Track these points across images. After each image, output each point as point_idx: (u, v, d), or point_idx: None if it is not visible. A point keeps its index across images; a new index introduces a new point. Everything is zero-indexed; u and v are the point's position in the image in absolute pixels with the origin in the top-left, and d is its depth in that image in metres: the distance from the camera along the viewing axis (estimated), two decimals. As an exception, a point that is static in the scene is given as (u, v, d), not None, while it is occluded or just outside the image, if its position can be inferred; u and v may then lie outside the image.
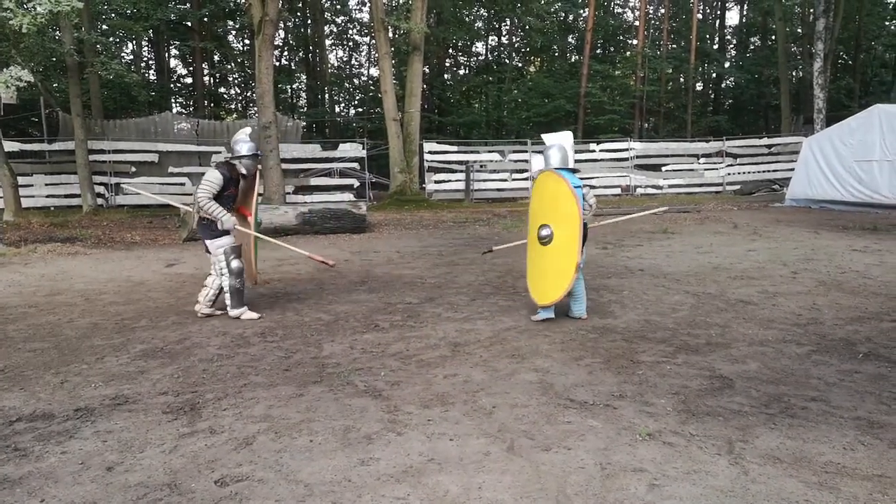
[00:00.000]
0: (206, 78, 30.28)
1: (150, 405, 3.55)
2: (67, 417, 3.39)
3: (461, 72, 36.19)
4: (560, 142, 5.48)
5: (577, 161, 21.11)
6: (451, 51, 34.30)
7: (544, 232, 5.18)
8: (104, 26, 21.73)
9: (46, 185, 17.15)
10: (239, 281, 5.48)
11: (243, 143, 5.55)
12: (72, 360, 4.41)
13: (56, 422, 3.34)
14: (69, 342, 4.86)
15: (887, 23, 31.54)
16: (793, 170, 17.13)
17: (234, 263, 5.46)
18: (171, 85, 30.35)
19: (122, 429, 3.24)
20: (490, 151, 21.44)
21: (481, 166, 20.65)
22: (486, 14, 33.11)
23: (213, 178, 5.39)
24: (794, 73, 30.83)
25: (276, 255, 9.35)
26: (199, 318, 5.54)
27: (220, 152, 18.60)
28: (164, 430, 3.21)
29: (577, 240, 4.99)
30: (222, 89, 33.27)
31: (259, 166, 5.75)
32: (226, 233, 5.42)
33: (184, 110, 30.37)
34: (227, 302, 5.51)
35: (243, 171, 5.56)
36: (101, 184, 17.22)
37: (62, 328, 5.29)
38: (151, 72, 30.33)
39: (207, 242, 5.49)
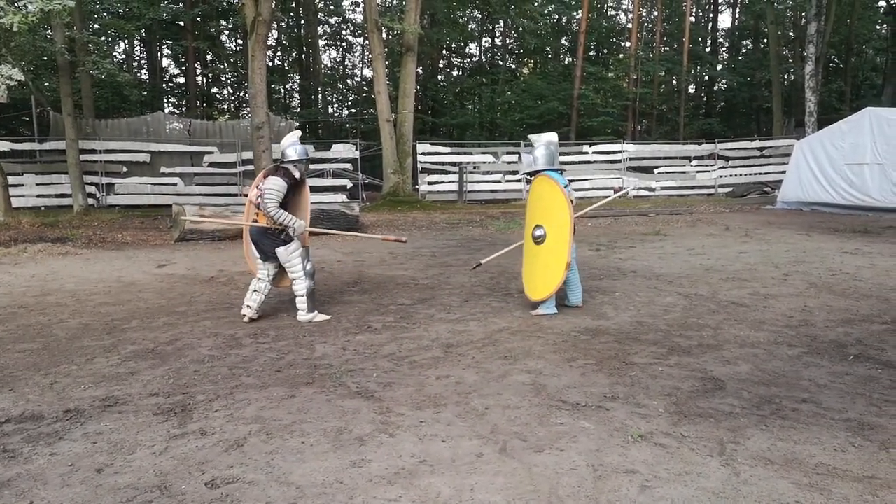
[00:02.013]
0: (199, 78, 30.19)
1: (141, 406, 3.53)
2: (57, 419, 3.37)
3: (455, 73, 36.23)
4: (546, 141, 5.80)
5: (570, 163, 21.36)
6: (444, 52, 34.31)
7: (538, 232, 5.57)
8: (96, 25, 21.61)
9: (37, 184, 17.03)
10: (312, 283, 5.46)
11: (295, 146, 5.48)
12: (61, 361, 4.38)
13: (45, 423, 3.31)
14: (59, 343, 4.83)
15: (878, 26, 31.77)
16: (784, 172, 17.21)
17: (308, 266, 5.46)
18: (164, 85, 30.24)
19: (111, 430, 3.22)
20: (483, 153, 21.46)
21: (474, 167, 20.66)
22: (479, 16, 33.17)
23: (278, 185, 5.24)
24: (785, 77, 30.98)
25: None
26: (244, 322, 5.37)
27: (212, 152, 18.56)
28: (155, 432, 3.19)
29: (568, 241, 5.27)
30: (215, 89, 33.17)
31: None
32: (290, 237, 5.36)
33: (176, 110, 30.22)
34: (301, 306, 5.43)
35: (297, 174, 5.46)
36: (92, 184, 17.12)
37: (52, 329, 5.25)
38: (143, 71, 30.22)
39: (278, 251, 5.36)
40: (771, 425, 3.18)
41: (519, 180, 20.59)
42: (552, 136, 5.94)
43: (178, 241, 10.96)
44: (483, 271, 7.78)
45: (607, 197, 6.47)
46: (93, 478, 2.73)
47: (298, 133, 5.70)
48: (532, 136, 5.99)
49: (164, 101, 29.97)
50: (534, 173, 5.78)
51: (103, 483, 2.68)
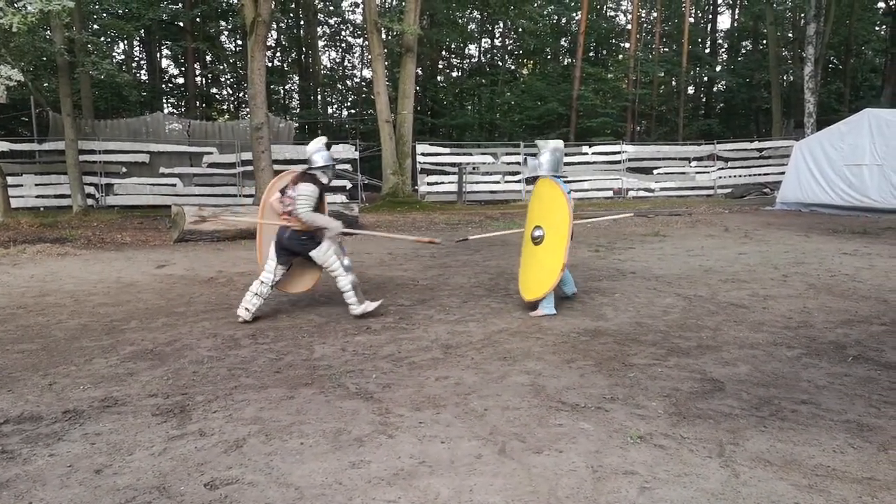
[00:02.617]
0: (198, 78, 30.20)
1: (140, 407, 3.53)
2: (55, 419, 3.36)
3: (454, 74, 36.25)
4: (553, 147, 5.97)
5: (570, 164, 21.38)
6: (444, 53, 34.32)
7: (537, 233, 5.69)
8: (95, 26, 21.60)
9: (36, 185, 17.02)
10: (354, 276, 5.52)
11: (321, 152, 5.50)
12: (60, 361, 4.38)
13: (44, 424, 3.31)
14: (58, 343, 4.82)
15: (877, 28, 31.80)
16: (783, 173, 17.23)
17: (346, 261, 5.51)
18: (163, 85, 30.24)
19: (110, 431, 3.21)
20: (483, 154, 21.48)
21: (474, 168, 20.67)
22: (479, 16, 33.18)
23: (310, 191, 5.28)
24: (784, 78, 31.03)
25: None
26: (238, 322, 5.34)
27: (211, 153, 18.55)
28: (154, 433, 3.19)
29: (566, 243, 5.39)
30: (214, 90, 33.17)
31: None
32: (321, 239, 5.41)
33: (175, 111, 30.23)
34: (350, 301, 5.46)
35: (325, 180, 5.50)
36: (91, 184, 17.11)
37: (51, 329, 5.25)
38: (143, 72, 30.23)
39: (313, 254, 5.40)
40: (770, 426, 3.18)
41: (518, 181, 20.61)
42: (559, 143, 6.11)
43: (177, 241, 10.95)
44: (482, 272, 7.78)
45: (612, 215, 6.66)
46: (91, 479, 2.73)
47: (324, 139, 5.76)
48: (539, 142, 6.15)
49: (164, 101, 29.98)
50: (536, 178, 5.97)
51: (102, 484, 2.68)
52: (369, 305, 5.52)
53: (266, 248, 5.60)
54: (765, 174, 22.24)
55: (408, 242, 6.38)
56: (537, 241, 5.66)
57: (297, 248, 5.41)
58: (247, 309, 5.37)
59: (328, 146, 5.76)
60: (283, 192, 5.45)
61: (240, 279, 7.50)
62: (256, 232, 5.90)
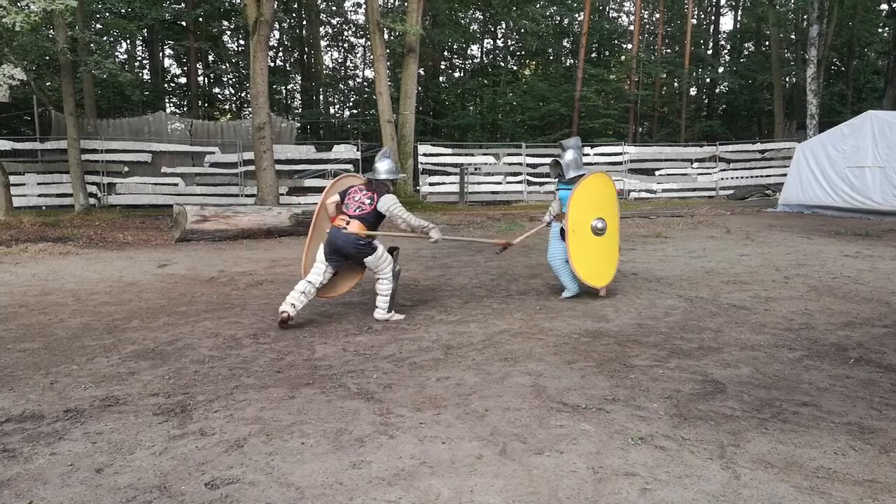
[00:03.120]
0: (201, 78, 30.22)
1: (141, 407, 3.53)
2: (57, 418, 3.37)
3: (456, 74, 36.25)
4: (576, 145, 6.38)
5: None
6: (446, 53, 34.33)
7: (600, 224, 6.13)
8: (98, 25, 21.64)
9: (38, 184, 17.04)
10: (396, 284, 5.56)
11: (390, 164, 5.53)
12: (62, 360, 4.38)
13: (45, 423, 3.31)
14: (59, 342, 4.83)
15: (879, 29, 31.76)
16: (785, 175, 17.21)
17: (396, 267, 5.56)
18: (165, 85, 30.26)
19: (111, 430, 3.22)
20: (485, 154, 21.47)
21: (476, 169, 20.67)
22: (481, 17, 33.18)
23: (397, 199, 5.41)
24: (787, 79, 30.99)
25: (269, 257, 9.33)
26: (283, 317, 5.21)
27: (213, 152, 18.57)
28: (155, 432, 3.19)
29: (618, 232, 6.36)
30: (216, 89, 33.19)
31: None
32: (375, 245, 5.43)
33: (177, 110, 30.26)
34: (382, 305, 5.47)
35: (391, 189, 5.58)
36: (93, 183, 17.13)
37: (52, 328, 5.25)
38: (145, 71, 30.25)
39: (368, 260, 5.38)
40: (771, 428, 3.18)
41: (520, 182, 20.62)
42: (578, 140, 6.51)
43: (178, 241, 10.96)
44: (483, 273, 7.78)
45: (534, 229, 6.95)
46: (93, 478, 2.73)
47: (389, 149, 5.92)
48: (564, 142, 6.38)
49: (166, 101, 30.01)
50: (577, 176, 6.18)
51: (103, 483, 2.68)
52: (395, 315, 5.52)
53: (314, 250, 5.53)
54: (767, 176, 22.21)
55: (484, 245, 6.55)
56: (601, 231, 6.11)
57: (352, 251, 5.32)
58: (293, 304, 5.22)
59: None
60: (343, 196, 5.45)
61: (241, 279, 7.51)
62: (307, 236, 5.75)
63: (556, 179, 6.40)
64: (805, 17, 24.10)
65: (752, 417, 3.32)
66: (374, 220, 5.38)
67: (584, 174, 6.13)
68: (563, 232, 6.11)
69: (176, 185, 18.19)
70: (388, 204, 5.33)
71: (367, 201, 5.34)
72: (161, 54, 30.01)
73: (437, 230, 5.54)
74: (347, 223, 5.29)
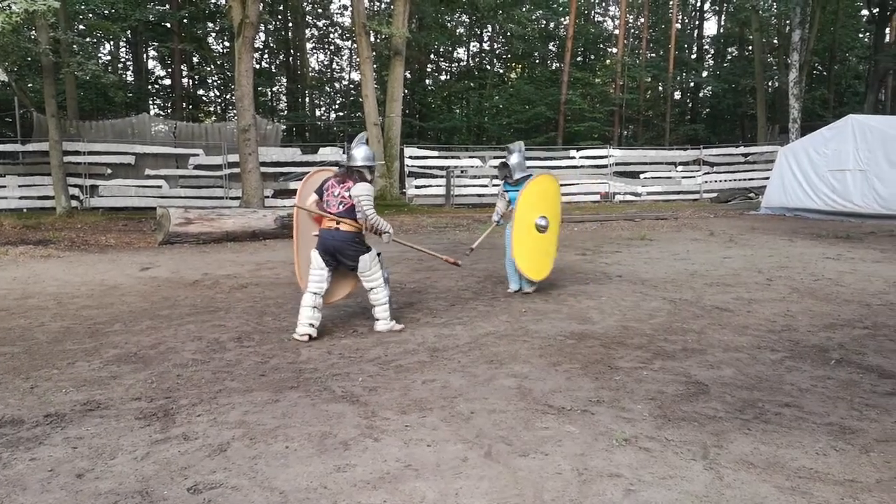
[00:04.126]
0: (185, 80, 30.03)
1: (123, 411, 3.49)
2: (37, 423, 3.32)
3: (442, 77, 36.29)
4: (521, 148, 6.80)
5: (557, 167, 21.51)
6: (432, 56, 34.37)
7: (543, 222, 6.44)
8: (81, 26, 21.44)
9: (19, 186, 16.81)
10: (389, 290, 5.28)
11: (365, 150, 5.19)
12: (42, 364, 4.33)
13: (25, 428, 3.27)
14: (40, 346, 4.77)
15: (860, 35, 32.21)
16: (768, 178, 17.38)
17: (385, 273, 5.25)
18: (149, 86, 30.03)
19: (93, 435, 3.18)
20: (471, 157, 21.50)
21: (462, 172, 20.69)
22: (467, 20, 33.25)
23: (371, 191, 4.99)
24: (770, 83, 31.32)
25: (254, 260, 9.28)
26: (303, 342, 4.92)
27: (198, 154, 18.44)
28: (137, 437, 3.16)
29: (558, 231, 6.74)
30: (201, 91, 32.99)
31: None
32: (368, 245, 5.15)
33: (161, 112, 30.04)
34: (383, 315, 5.18)
35: (370, 178, 5.16)
36: (75, 185, 16.96)
37: (33, 332, 5.19)
38: (129, 73, 30.00)
39: (362, 259, 5.03)
40: (754, 429, 3.20)
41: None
42: (521, 143, 6.94)
43: (162, 243, 10.87)
44: (469, 275, 7.78)
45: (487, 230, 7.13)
46: (73, 483, 2.69)
47: (365, 135, 5.55)
48: (510, 145, 6.85)
49: (150, 102, 29.78)
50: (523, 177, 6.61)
51: (83, 489, 2.65)
52: (396, 325, 5.25)
53: (305, 256, 5.17)
54: (750, 179, 22.41)
55: (437, 259, 6.45)
56: (543, 229, 6.43)
57: (349, 251, 4.99)
58: (311, 325, 4.93)
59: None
60: (320, 194, 5.11)
61: (226, 282, 7.46)
62: (294, 241, 5.43)
63: (503, 181, 6.77)
64: (787, 22, 24.40)
65: (735, 418, 3.34)
66: None
67: (530, 175, 6.57)
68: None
69: (160, 187, 18.04)
70: (359, 192, 4.92)
71: (346, 193, 4.95)
72: (145, 56, 29.80)
73: (390, 235, 5.20)
74: (338, 223, 4.97)
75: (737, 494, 2.57)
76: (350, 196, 4.94)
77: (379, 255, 5.25)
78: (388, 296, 5.22)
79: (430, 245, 10.99)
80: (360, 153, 5.13)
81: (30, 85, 19.85)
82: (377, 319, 5.21)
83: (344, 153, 19.66)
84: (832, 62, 31.37)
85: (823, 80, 32.28)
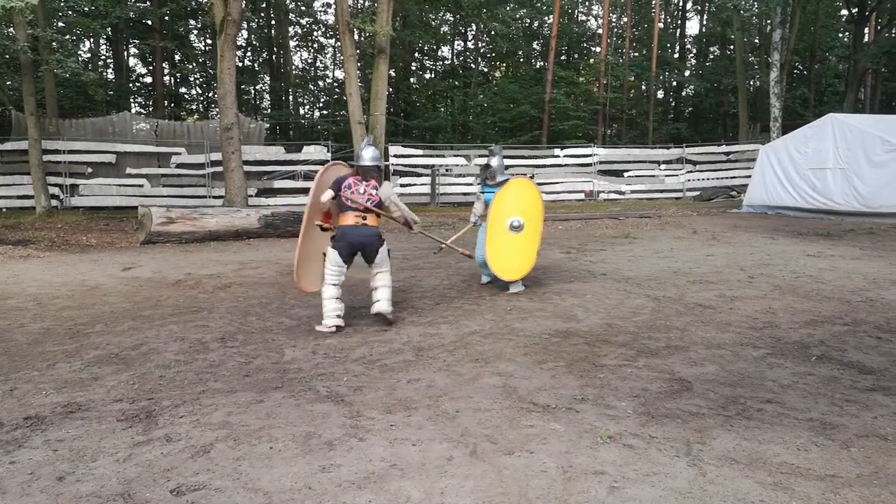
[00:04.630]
0: (167, 77, 29.71)
1: (104, 413, 3.45)
2: (17, 426, 3.28)
3: (427, 76, 36.21)
4: (501, 151, 7.03)
5: (542, 166, 21.56)
6: (416, 54, 34.29)
7: (517, 223, 6.55)
8: (60, 23, 21.13)
9: (-2, 185, 16.60)
10: None
11: (374, 150, 5.51)
12: (22, 366, 4.27)
13: (4, 431, 3.22)
14: (19, 348, 4.70)
15: (840, 34, 32.60)
16: (750, 177, 17.55)
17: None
18: (130, 84, 29.68)
19: (73, 437, 3.14)
20: (456, 155, 21.49)
21: (447, 170, 20.68)
22: (451, 19, 33.22)
23: (391, 186, 5.44)
24: (751, 83, 31.61)
25: (238, 259, 9.21)
26: (332, 332, 5.11)
27: (180, 153, 18.28)
28: (119, 439, 3.12)
29: (540, 235, 6.75)
30: (183, 89, 32.64)
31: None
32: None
33: (143, 110, 29.71)
34: (387, 295, 5.36)
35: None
36: (55, 185, 16.74)
37: (12, 334, 5.12)
38: (109, 70, 29.64)
39: (381, 251, 5.33)
40: (736, 425, 3.23)
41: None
42: (502, 147, 7.31)
43: (143, 243, 10.77)
44: (455, 274, 7.78)
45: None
46: (53, 486, 2.66)
47: (372, 137, 5.93)
48: (493, 148, 7.00)
49: (131, 100, 29.43)
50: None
51: (64, 491, 2.62)
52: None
53: (312, 251, 5.37)
54: (732, 177, 22.60)
55: (456, 254, 6.62)
56: (518, 229, 6.53)
57: (375, 244, 5.27)
58: (338, 315, 5.17)
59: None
60: (336, 189, 5.23)
61: (209, 281, 7.40)
62: (299, 239, 5.46)
63: (482, 182, 7.00)
64: (768, 21, 24.62)
65: (718, 415, 3.37)
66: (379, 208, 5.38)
67: (507, 178, 6.81)
68: None
69: (141, 186, 17.85)
70: (390, 191, 5.38)
71: (374, 191, 5.28)
72: (126, 53, 29.43)
73: (419, 225, 5.70)
74: (364, 218, 5.22)
75: (720, 490, 2.59)
76: (375, 193, 5.29)
77: (389, 249, 5.51)
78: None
79: (415, 243, 10.99)
80: (368, 153, 5.43)
81: (8, 83, 19.53)
82: (378, 301, 5.35)
83: (328, 151, 19.61)
84: (812, 61, 31.73)
85: (804, 80, 32.66)
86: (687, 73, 34.85)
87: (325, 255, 5.27)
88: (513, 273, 6.57)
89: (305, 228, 5.39)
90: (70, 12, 20.43)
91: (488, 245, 6.49)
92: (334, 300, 5.16)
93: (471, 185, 20.83)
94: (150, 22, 24.51)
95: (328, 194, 5.24)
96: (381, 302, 5.33)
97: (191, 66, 29.61)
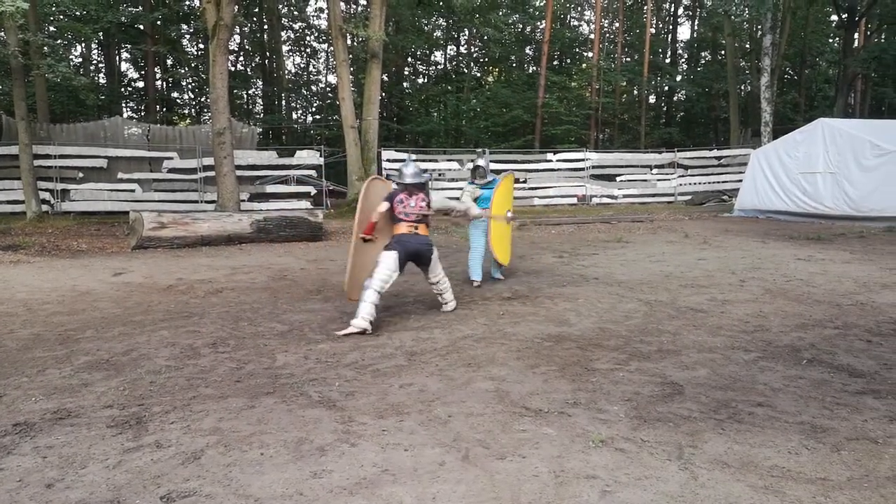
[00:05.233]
0: (159, 82, 29.65)
1: (94, 419, 3.43)
2: (5, 433, 3.25)
3: (420, 80, 36.30)
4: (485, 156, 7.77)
5: (535, 170, 21.65)
6: (409, 59, 34.38)
7: (510, 214, 7.39)
8: (52, 28, 21.08)
9: (-12, 190, 16.50)
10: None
11: (416, 167, 5.88)
12: (11, 372, 4.24)
13: (-8, 438, 3.19)
14: (9, 354, 4.67)
15: (830, 40, 32.87)
16: (741, 181, 17.64)
17: None
18: (122, 89, 29.62)
19: (63, 444, 3.12)
20: (449, 160, 21.51)
21: (440, 175, 20.69)
22: (444, 24, 33.32)
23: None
24: (742, 88, 31.82)
25: (230, 264, 9.19)
26: (360, 333, 5.18)
27: (171, 158, 18.23)
28: (108, 445, 3.10)
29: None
30: (175, 94, 32.61)
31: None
32: None
33: (135, 115, 29.64)
34: (451, 297, 6.08)
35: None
36: (46, 190, 16.66)
37: (2, 339, 5.08)
38: (101, 75, 29.59)
39: (433, 255, 5.80)
40: (728, 429, 3.24)
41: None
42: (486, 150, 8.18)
43: (135, 248, 10.72)
44: (449, 276, 7.77)
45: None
46: (42, 493, 2.64)
47: (412, 156, 6.28)
48: (479, 150, 7.48)
49: (123, 105, 29.38)
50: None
51: (53, 499, 2.59)
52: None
53: (367, 261, 5.58)
54: (723, 182, 22.73)
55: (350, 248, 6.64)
56: (512, 220, 7.47)
57: (428, 253, 5.73)
58: (370, 321, 5.24)
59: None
60: (390, 201, 5.61)
61: (200, 287, 7.37)
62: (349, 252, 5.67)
63: (473, 181, 7.47)
64: (759, 27, 24.79)
65: (710, 418, 3.38)
66: None
67: (495, 179, 7.48)
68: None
69: (133, 191, 17.79)
70: (439, 199, 6.13)
71: (423, 203, 5.67)
72: (118, 58, 29.39)
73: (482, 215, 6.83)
74: (416, 228, 5.62)
75: (711, 494, 2.60)
76: (426, 206, 5.71)
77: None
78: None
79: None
80: (409, 170, 5.77)
81: (-1, 87, 19.47)
82: (446, 303, 6.05)
83: (321, 156, 19.59)
84: (803, 66, 32.00)
85: (794, 84, 32.92)
86: (678, 77, 35.06)
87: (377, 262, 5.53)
88: (505, 257, 7.52)
89: (356, 241, 5.63)
90: (61, 17, 20.40)
91: (493, 235, 7.18)
92: (372, 305, 5.27)
93: (463, 189, 20.88)
94: (142, 26, 24.50)
95: (384, 206, 5.59)
96: (451, 303, 6.08)
97: (183, 71, 29.58)
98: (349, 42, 21.25)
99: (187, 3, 27.02)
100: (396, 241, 5.55)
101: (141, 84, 30.37)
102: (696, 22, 37.65)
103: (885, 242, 10.86)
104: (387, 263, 5.42)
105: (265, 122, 30.76)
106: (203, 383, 4.00)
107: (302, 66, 37.73)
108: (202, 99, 31.39)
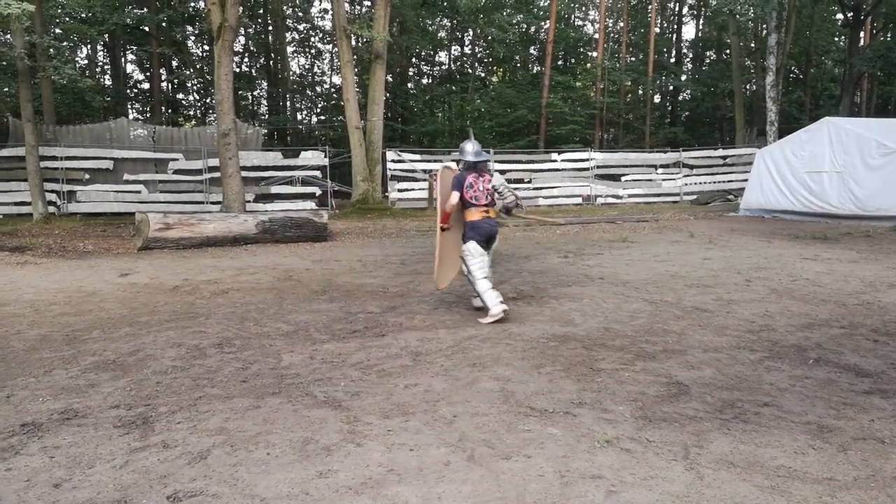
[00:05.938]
0: (164, 83, 29.76)
1: (101, 419, 3.45)
2: (13, 433, 3.27)
3: (424, 81, 36.31)
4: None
5: (540, 170, 21.65)
6: (414, 60, 34.40)
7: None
8: (58, 30, 21.17)
9: (-5, 192, 16.59)
10: None
11: (472, 142, 5.89)
12: (18, 373, 4.26)
13: (1, 437, 3.21)
14: (16, 355, 4.69)
15: (836, 38, 32.75)
16: (747, 180, 17.59)
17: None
18: (128, 90, 29.73)
19: (70, 444, 3.13)
20: (453, 160, 21.50)
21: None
22: (449, 24, 33.33)
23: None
24: (747, 87, 31.74)
25: (235, 265, 9.21)
26: (502, 316, 5.47)
27: (177, 159, 18.29)
28: (115, 445, 3.12)
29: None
30: (180, 95, 32.70)
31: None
32: None
33: (140, 116, 29.74)
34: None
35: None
36: (52, 191, 16.74)
37: (9, 340, 5.10)
38: (107, 77, 29.69)
39: (498, 238, 5.91)
40: (733, 429, 3.23)
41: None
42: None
43: (141, 249, 10.76)
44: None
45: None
46: (50, 493, 2.65)
47: (471, 132, 6.28)
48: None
49: (128, 107, 29.49)
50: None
51: (61, 498, 2.61)
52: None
53: (452, 251, 5.81)
54: (729, 181, 22.67)
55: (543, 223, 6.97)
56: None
57: (497, 233, 5.81)
58: (501, 301, 5.49)
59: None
60: (459, 189, 5.62)
61: (206, 287, 7.39)
62: (436, 243, 5.90)
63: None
64: (764, 26, 24.73)
65: (715, 418, 3.37)
66: None
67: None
68: None
69: (138, 192, 17.87)
70: (501, 180, 5.85)
71: (489, 185, 5.71)
72: (123, 60, 29.49)
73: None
74: (488, 211, 5.70)
75: (717, 494, 2.59)
76: (492, 188, 5.73)
77: None
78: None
79: (413, 248, 11.01)
80: (470, 147, 5.82)
81: (5, 89, 19.58)
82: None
83: (326, 157, 19.63)
84: (808, 65, 31.88)
85: (800, 84, 32.80)
86: (683, 77, 34.99)
87: (461, 256, 5.78)
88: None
89: (440, 233, 5.83)
90: (67, 19, 20.49)
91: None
92: (492, 290, 5.54)
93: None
94: (147, 28, 24.59)
95: (454, 196, 5.65)
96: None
97: (188, 72, 29.68)
98: (354, 43, 21.30)
99: (192, 4, 27.11)
100: (471, 227, 5.70)
101: (146, 85, 30.48)
102: (701, 21, 37.53)
103: (892, 241, 10.81)
104: (473, 253, 5.65)
105: (270, 123, 30.83)
106: (209, 383, 4.02)
107: (307, 67, 37.81)
108: (207, 100, 31.45)
